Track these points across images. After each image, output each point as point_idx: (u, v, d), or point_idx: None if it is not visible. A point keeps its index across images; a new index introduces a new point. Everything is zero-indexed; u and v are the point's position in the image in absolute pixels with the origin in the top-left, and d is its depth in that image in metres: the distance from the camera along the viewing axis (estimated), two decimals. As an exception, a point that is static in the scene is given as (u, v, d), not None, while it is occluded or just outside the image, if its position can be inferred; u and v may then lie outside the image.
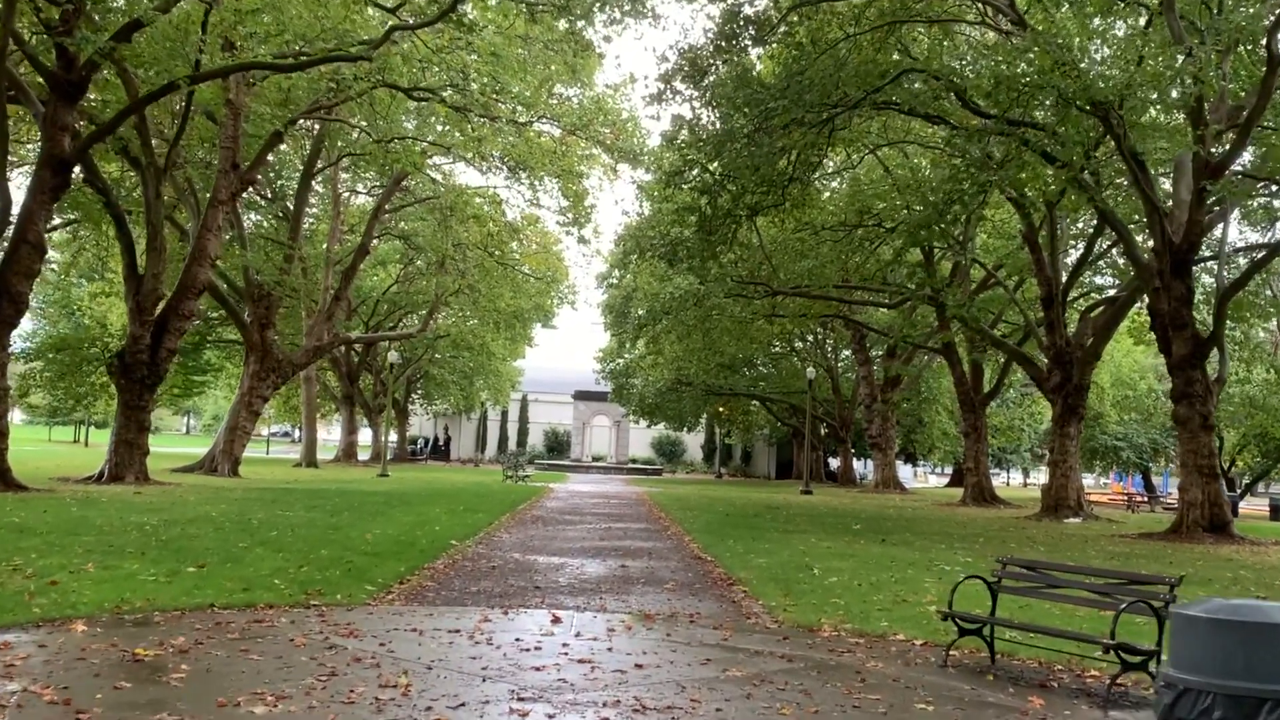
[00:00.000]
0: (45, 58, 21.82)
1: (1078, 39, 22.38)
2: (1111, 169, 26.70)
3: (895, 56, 23.34)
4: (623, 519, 22.19)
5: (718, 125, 24.27)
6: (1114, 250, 33.49)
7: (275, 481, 30.08)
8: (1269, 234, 29.65)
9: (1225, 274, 26.00)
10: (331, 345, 40.00)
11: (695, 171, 25.39)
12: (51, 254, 40.89)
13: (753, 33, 23.77)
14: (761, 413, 61.91)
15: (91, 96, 27.74)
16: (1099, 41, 24.00)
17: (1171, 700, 4.02)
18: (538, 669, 6.89)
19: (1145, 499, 43.04)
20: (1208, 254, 27.50)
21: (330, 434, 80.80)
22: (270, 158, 40.89)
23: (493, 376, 60.09)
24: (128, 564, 10.61)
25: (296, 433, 78.52)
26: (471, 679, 6.53)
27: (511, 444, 70.70)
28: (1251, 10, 19.84)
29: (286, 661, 6.75)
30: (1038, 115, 22.43)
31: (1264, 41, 22.82)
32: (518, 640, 7.84)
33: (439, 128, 32.14)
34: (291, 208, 37.21)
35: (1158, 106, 21.91)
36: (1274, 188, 27.10)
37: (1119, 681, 6.89)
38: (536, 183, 32.58)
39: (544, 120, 30.69)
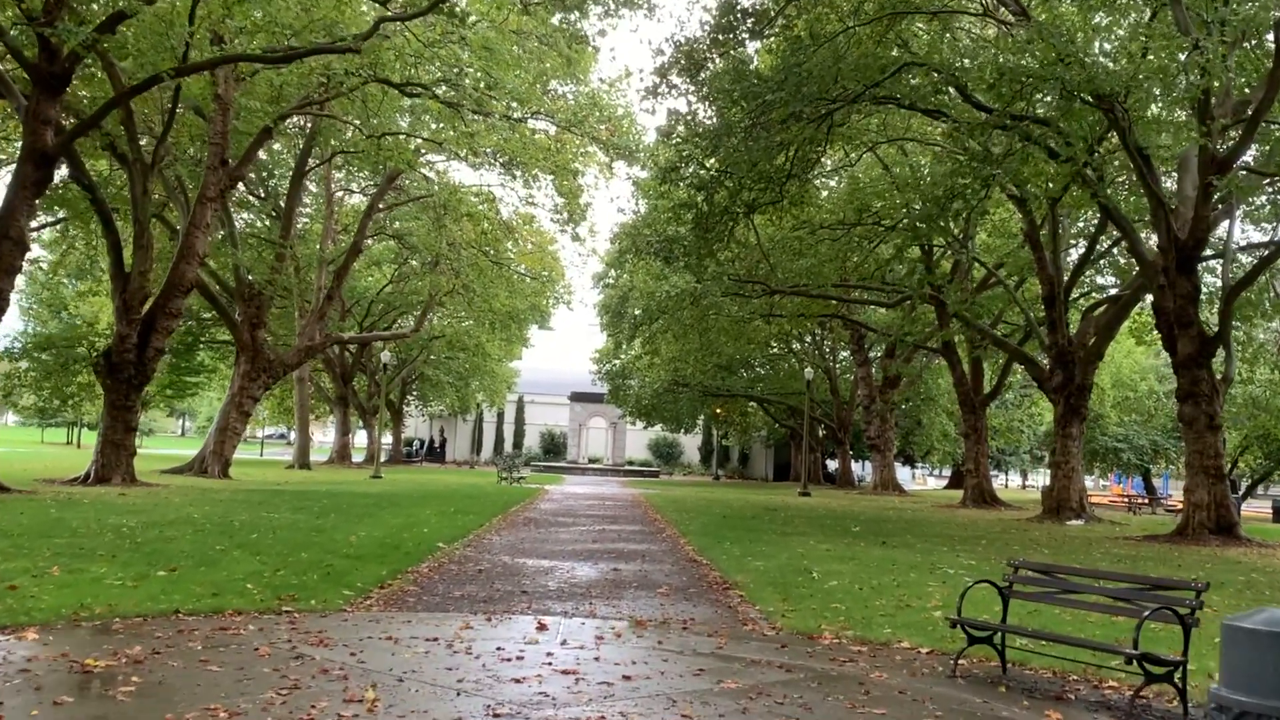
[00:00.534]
0: (28, 50, 21.35)
1: (1081, 34, 21.99)
2: (1115, 165, 26.35)
3: (895, 52, 22.91)
4: (617, 521, 21.72)
5: (714, 120, 23.84)
6: (1116, 249, 33.07)
7: (265, 483, 29.60)
8: (1274, 231, 29.19)
9: (1231, 271, 25.54)
10: (323, 345, 39.50)
11: (692, 168, 24.96)
12: (41, 253, 40.51)
13: (750, 25, 23.34)
14: (759, 414, 61.49)
15: (84, 95, 27.37)
16: (1101, 39, 23.62)
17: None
18: (518, 681, 6.42)
19: (1146, 501, 42.57)
20: (1208, 252, 27.06)
21: (326, 436, 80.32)
22: (263, 155, 40.47)
23: (488, 378, 59.65)
24: (95, 567, 10.14)
25: (291, 435, 78.02)
26: (445, 693, 6.06)
27: (508, 446, 70.26)
28: (1259, 1, 19.41)
29: (247, 673, 6.28)
30: (1040, 110, 22.02)
31: (1270, 35, 22.51)
32: (499, 649, 7.37)
33: (432, 125, 31.70)
34: (284, 206, 36.71)
35: (1164, 100, 21.44)
36: (1280, 184, 26.66)
37: (1142, 694, 6.43)
38: (531, 180, 32.10)
39: (539, 116, 30.23)
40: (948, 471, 75.75)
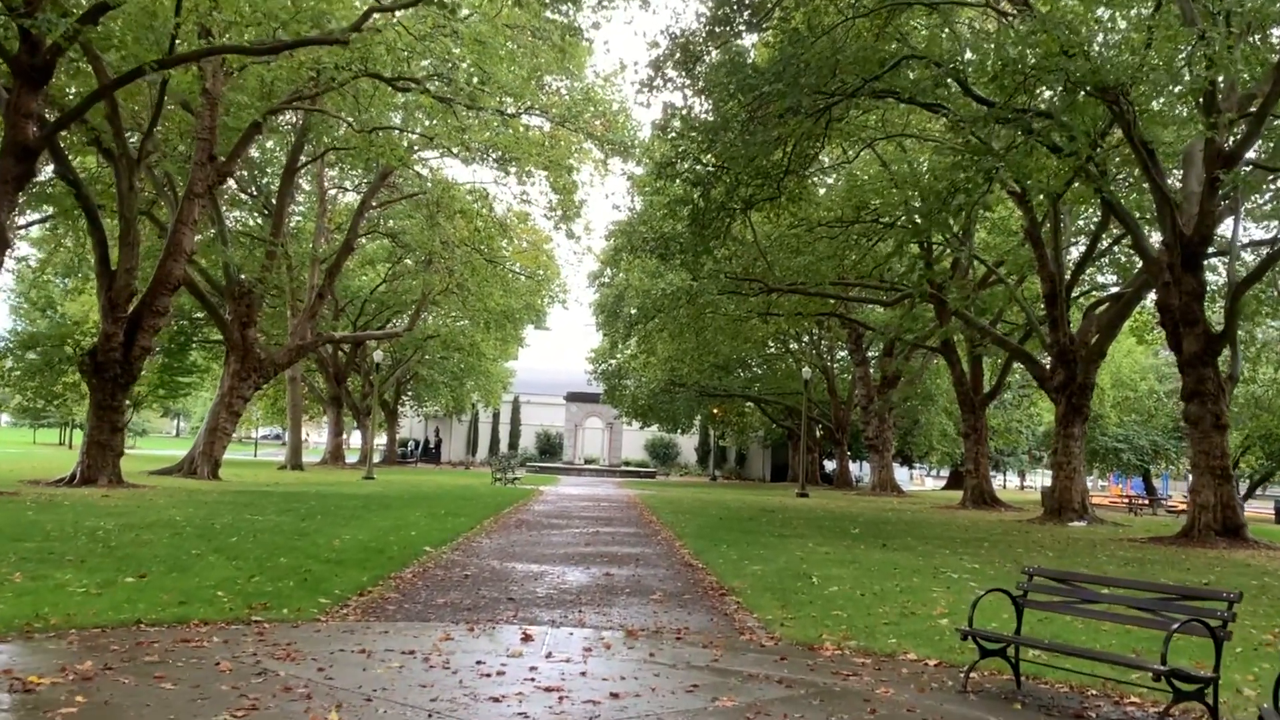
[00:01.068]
0: (9, 42, 20.84)
1: (1084, 28, 21.55)
2: (1117, 160, 25.90)
3: (893, 46, 22.46)
4: (612, 523, 21.26)
5: (710, 114, 23.38)
6: (1117, 246, 32.65)
7: (255, 484, 29.12)
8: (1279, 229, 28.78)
9: (1237, 268, 25.10)
10: (315, 345, 39.01)
11: (688, 163, 24.50)
12: (29, 251, 40.02)
13: (747, 17, 22.88)
14: (756, 414, 61.08)
15: (71, 91, 26.88)
16: (1104, 32, 23.17)
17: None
18: (496, 700, 5.95)
19: (1146, 502, 42.14)
20: (1211, 250, 26.64)
21: (321, 436, 79.79)
22: (254, 153, 39.99)
23: (483, 378, 59.18)
24: (60, 573, 9.66)
25: (286, 435, 77.51)
26: (415, 714, 5.59)
27: (503, 446, 69.79)
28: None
29: (203, 691, 5.81)
30: (1042, 104, 21.59)
31: (1277, 30, 22.09)
32: (479, 663, 6.90)
33: (425, 122, 31.25)
34: (275, 203, 36.22)
35: (1169, 92, 21.01)
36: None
37: (1170, 713, 5.97)
38: (525, 176, 31.65)
39: (532, 112, 29.77)
40: (945, 472, 75.36)
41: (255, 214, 41.39)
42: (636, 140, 29.83)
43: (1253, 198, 26.99)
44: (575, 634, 8.31)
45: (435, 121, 29.40)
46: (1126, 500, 42.66)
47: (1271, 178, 25.60)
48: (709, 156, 23.87)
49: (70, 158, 27.82)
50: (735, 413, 60.22)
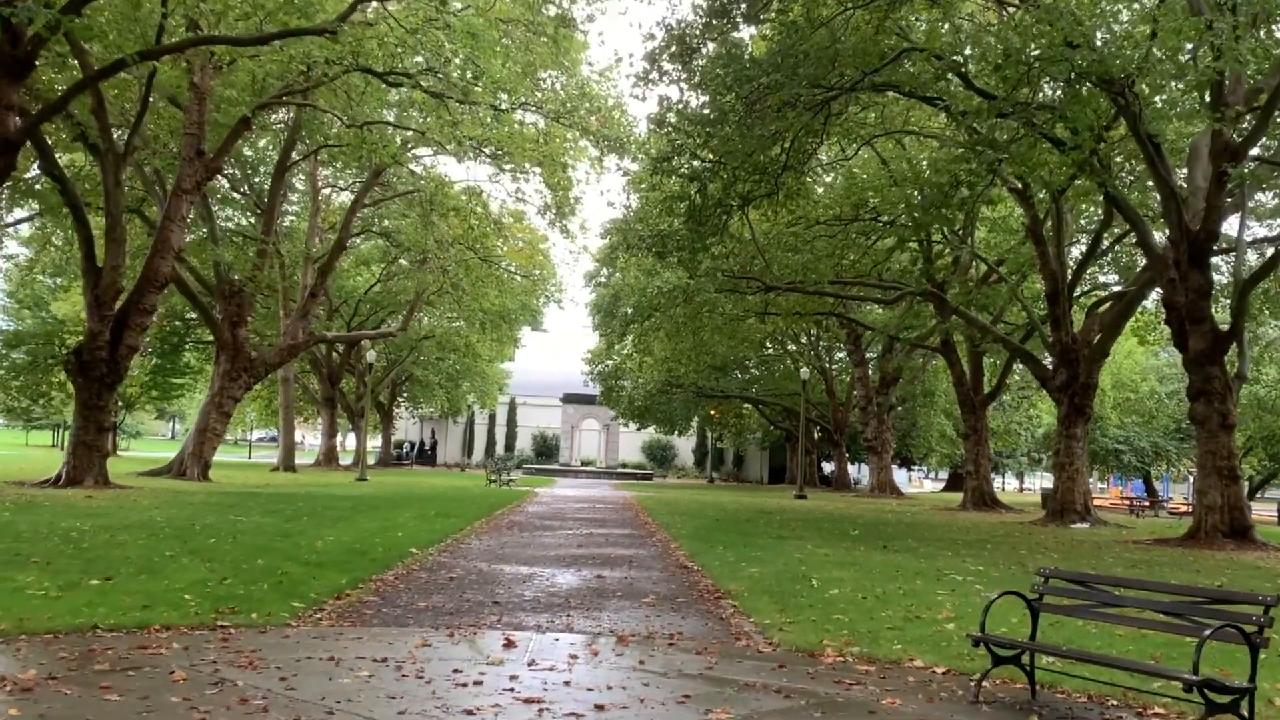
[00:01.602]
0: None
1: (1088, 19, 21.12)
2: (1120, 156, 25.50)
3: (893, 40, 22.02)
4: (606, 524, 20.80)
5: (707, 109, 22.92)
6: (1119, 245, 32.23)
7: (244, 485, 28.66)
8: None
9: (1244, 264, 24.69)
10: (306, 344, 38.50)
11: (684, 157, 24.06)
12: (19, 249, 39.55)
13: (744, 9, 22.43)
14: (754, 416, 60.65)
15: (60, 86, 26.39)
16: (1108, 23, 22.75)
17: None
18: (470, 713, 5.48)
19: (1148, 503, 41.71)
20: (1216, 247, 26.22)
21: (316, 438, 79.20)
22: (248, 153, 39.53)
23: (479, 379, 58.72)
24: (23, 576, 9.19)
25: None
26: (381, 728, 5.14)
27: (499, 448, 69.29)
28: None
29: (151, 704, 5.34)
30: (1043, 97, 21.18)
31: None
32: (456, 672, 6.43)
33: (418, 118, 30.77)
34: (266, 201, 35.74)
35: (1175, 85, 20.57)
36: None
37: (1201, 726, 5.51)
38: (519, 173, 31.18)
39: (526, 107, 29.29)
40: (944, 474, 74.91)
41: (248, 213, 40.90)
42: (632, 136, 29.36)
43: (1255, 196, 26.58)
44: (561, 640, 7.85)
45: (428, 118, 28.93)
46: (1128, 502, 42.23)
47: (1277, 174, 25.18)
48: (706, 152, 23.45)
49: (58, 155, 27.39)
50: (733, 414, 59.77)
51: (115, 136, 25.64)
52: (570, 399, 67.95)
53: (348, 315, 51.37)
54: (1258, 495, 52.10)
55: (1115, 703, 6.41)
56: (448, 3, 22.12)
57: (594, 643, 7.75)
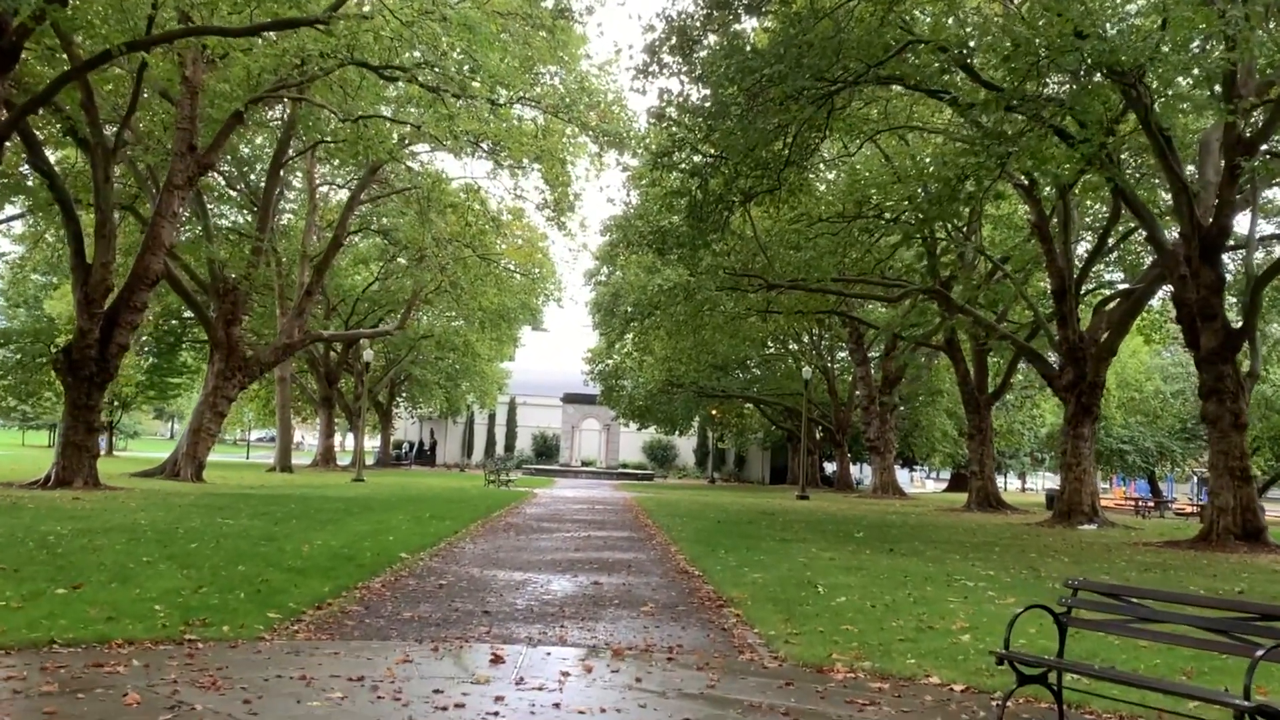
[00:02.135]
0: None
1: (1098, 11, 20.64)
2: (1128, 149, 25.01)
3: (897, 33, 21.53)
4: (605, 527, 20.32)
5: (708, 103, 22.43)
6: (1124, 243, 31.75)
7: (238, 486, 28.20)
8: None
9: (1256, 260, 24.21)
10: (302, 343, 38.02)
11: (685, 152, 23.58)
12: (11, 247, 39.08)
13: (746, 0, 21.94)
14: (755, 416, 60.19)
15: (54, 83, 25.88)
16: (1116, 15, 22.28)
17: None
18: (448, 742, 5.02)
19: (1153, 504, 41.20)
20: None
21: (316, 438, 78.71)
22: (245, 150, 39.07)
23: (478, 379, 58.25)
24: (-13, 584, 8.72)
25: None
26: (348, 761, 4.66)
27: (499, 448, 68.82)
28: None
29: (97, 732, 4.88)
30: (1049, 89, 20.68)
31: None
32: (436, 693, 5.95)
33: (415, 113, 30.29)
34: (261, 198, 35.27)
35: (1189, 74, 20.07)
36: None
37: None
38: (518, 169, 30.69)
39: (524, 102, 28.82)
40: (946, 474, 74.41)
41: (244, 211, 40.44)
42: (632, 131, 28.88)
43: (1264, 193, 26.09)
44: (553, 654, 7.36)
45: (424, 113, 28.44)
46: (1133, 503, 41.72)
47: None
48: (707, 146, 22.97)
49: (48, 151, 26.94)
50: (734, 414, 59.30)
51: (107, 131, 25.20)
52: (570, 399, 67.46)
53: (345, 314, 50.91)
54: (1263, 495, 51.59)
55: (1150, 726, 5.93)
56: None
57: (588, 657, 7.27)
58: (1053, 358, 29.62)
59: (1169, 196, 29.01)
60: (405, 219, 40.01)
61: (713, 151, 22.96)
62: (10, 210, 32.80)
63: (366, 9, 24.93)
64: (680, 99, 22.86)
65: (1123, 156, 24.91)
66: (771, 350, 52.69)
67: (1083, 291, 29.99)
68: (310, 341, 40.97)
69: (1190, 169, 23.85)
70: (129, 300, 25.24)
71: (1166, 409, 51.73)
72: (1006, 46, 17.78)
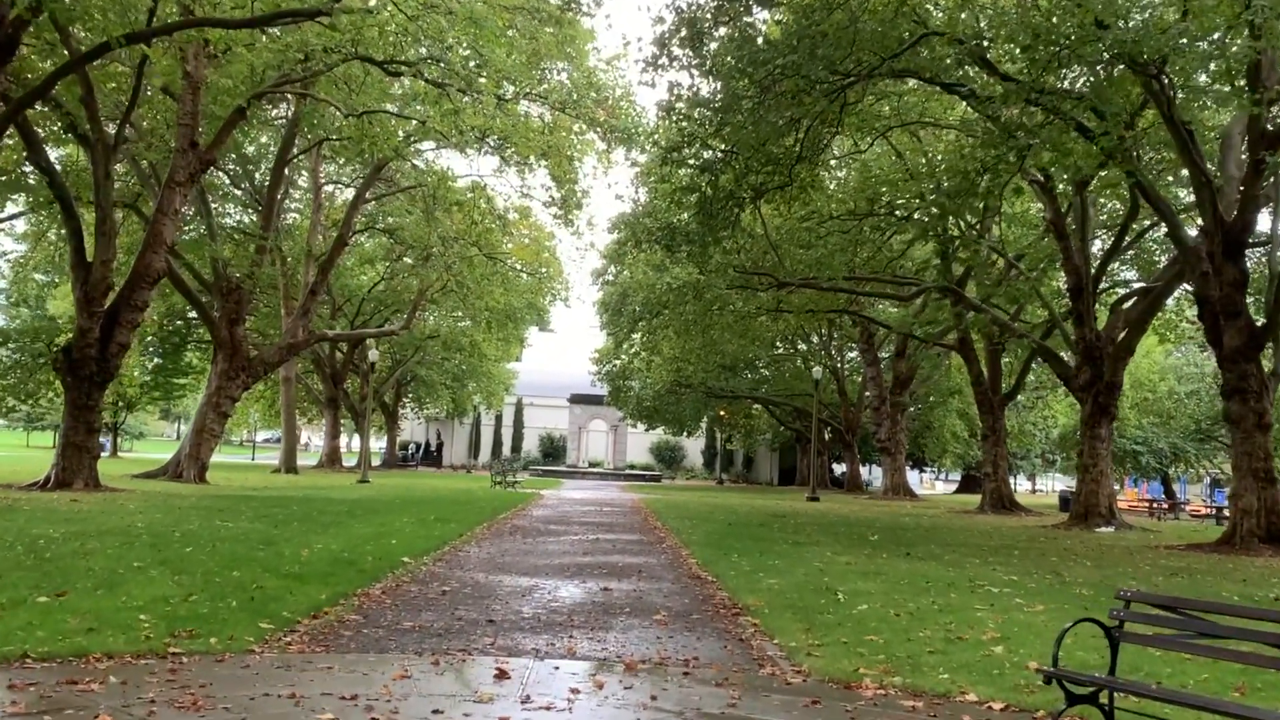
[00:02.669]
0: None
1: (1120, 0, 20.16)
2: (1150, 143, 24.50)
3: (912, 26, 21.06)
4: (614, 529, 19.87)
5: (719, 97, 21.98)
6: (1140, 241, 31.22)
7: (241, 488, 27.81)
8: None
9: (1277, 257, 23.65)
10: (306, 343, 37.65)
11: (695, 147, 23.13)
12: (13, 246, 38.76)
13: (758, -9, 21.47)
14: (764, 416, 59.70)
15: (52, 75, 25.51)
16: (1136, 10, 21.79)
17: None
18: (447, 772, 4.57)
19: (1168, 506, 40.62)
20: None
21: (322, 439, 78.43)
22: (250, 149, 38.70)
23: (485, 379, 57.85)
24: (-34, 592, 8.29)
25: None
26: (335, 795, 4.21)
27: (506, 449, 68.43)
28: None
29: (61, 761, 4.44)
30: (1066, 83, 20.22)
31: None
32: (436, 713, 5.49)
33: (420, 110, 29.89)
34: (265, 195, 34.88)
35: (1210, 68, 19.57)
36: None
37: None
38: (524, 167, 30.26)
39: (531, 98, 28.39)
40: (955, 476, 73.80)
41: (248, 209, 40.09)
42: (640, 127, 28.43)
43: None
44: (562, 668, 6.91)
45: (429, 109, 28.05)
46: (1147, 504, 41.15)
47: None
48: (717, 141, 22.52)
49: (50, 150, 26.59)
50: (742, 415, 58.81)
51: (108, 128, 24.83)
52: (577, 399, 67.04)
53: (351, 314, 50.56)
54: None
55: (1210, 750, 5.46)
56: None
57: (599, 672, 6.81)
58: (1066, 356, 29.10)
59: (1186, 194, 28.57)
60: (411, 218, 39.64)
61: (723, 146, 22.51)
62: (11, 209, 32.46)
63: (371, 2, 24.53)
64: (690, 92, 22.42)
65: (1145, 149, 24.43)
66: (780, 350, 52.21)
67: (1099, 289, 29.47)
68: (315, 341, 40.62)
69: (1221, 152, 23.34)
70: (130, 299, 24.85)
71: (1180, 409, 51.08)
72: (1025, 38, 17.30)
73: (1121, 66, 18.50)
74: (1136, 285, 31.64)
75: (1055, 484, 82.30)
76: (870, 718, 5.84)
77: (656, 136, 27.31)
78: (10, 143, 26.33)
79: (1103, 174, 22.09)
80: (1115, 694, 5.48)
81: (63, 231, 31.72)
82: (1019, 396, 46.24)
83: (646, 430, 61.97)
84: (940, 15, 23.11)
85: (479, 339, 48.81)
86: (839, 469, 61.44)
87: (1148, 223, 29.78)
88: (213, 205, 34.03)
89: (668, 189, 25.50)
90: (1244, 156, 20.76)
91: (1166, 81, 18.83)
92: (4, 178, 27.37)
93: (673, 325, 36.46)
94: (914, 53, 19.68)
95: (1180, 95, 19.43)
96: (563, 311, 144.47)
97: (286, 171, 36.34)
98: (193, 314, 44.59)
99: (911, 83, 25.51)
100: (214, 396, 31.06)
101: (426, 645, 7.47)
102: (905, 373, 42.95)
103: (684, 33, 21.64)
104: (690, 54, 21.93)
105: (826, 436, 55.81)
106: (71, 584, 8.87)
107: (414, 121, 29.10)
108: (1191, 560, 17.62)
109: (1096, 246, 31.06)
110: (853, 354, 53.00)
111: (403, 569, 11.74)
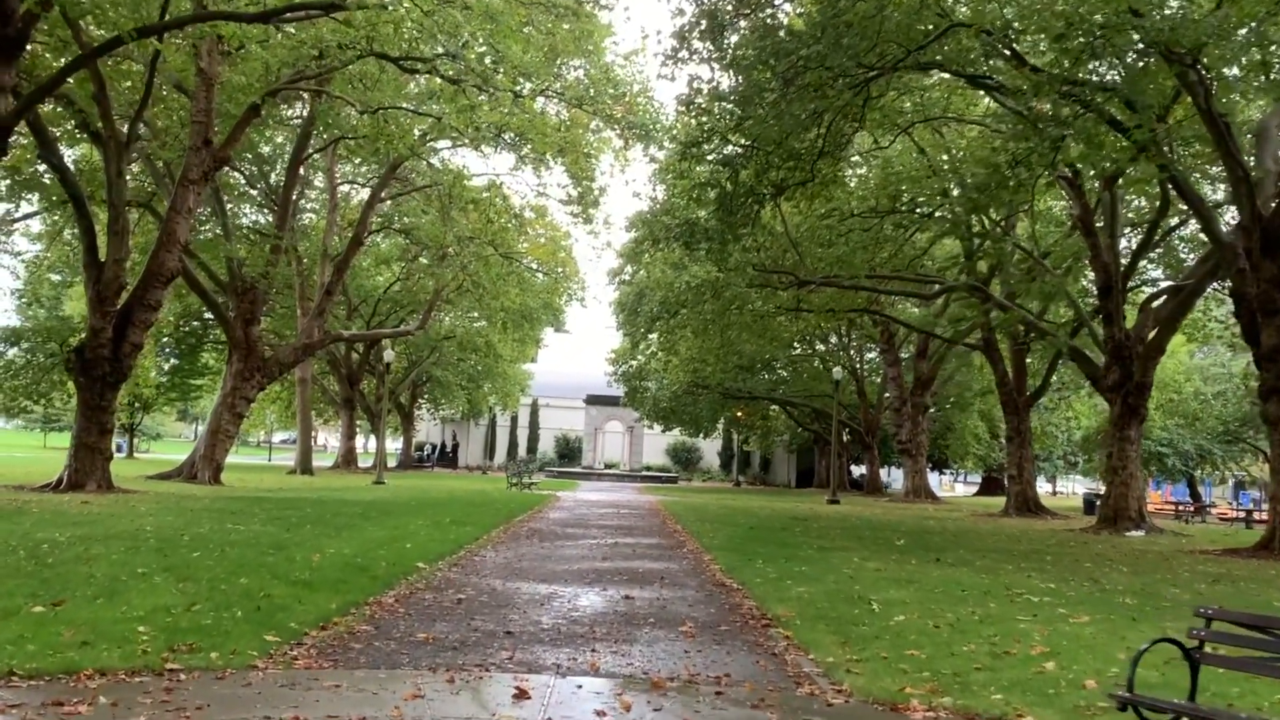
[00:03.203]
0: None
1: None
2: (1181, 138, 23.89)
3: (936, 18, 20.53)
4: (633, 533, 19.41)
5: (739, 90, 21.50)
6: (1167, 238, 30.53)
7: (256, 489, 27.48)
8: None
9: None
10: (322, 343, 37.36)
11: (715, 142, 22.67)
12: (28, 246, 38.60)
13: (780, -19, 21.02)
14: (781, 418, 59.13)
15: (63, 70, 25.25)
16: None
17: None
18: (463, 812, 4.12)
19: (1194, 509, 39.90)
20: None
21: (338, 440, 78.33)
22: (265, 150, 38.43)
23: (500, 380, 57.54)
24: (-41, 601, 7.89)
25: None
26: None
27: (522, 450, 68.09)
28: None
29: (35, 799, 4.01)
30: (1098, 76, 19.65)
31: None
32: (450, 739, 5.07)
33: (436, 108, 29.54)
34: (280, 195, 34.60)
35: (1243, 60, 18.97)
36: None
37: None
38: (541, 163, 29.85)
39: (548, 94, 27.97)
40: (975, 478, 73.01)
41: (263, 209, 39.84)
42: (658, 123, 27.96)
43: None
44: (585, 686, 6.46)
45: (445, 106, 27.68)
46: (1174, 507, 40.42)
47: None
48: (737, 136, 22.05)
49: (64, 149, 26.34)
50: (760, 416, 58.24)
51: (121, 126, 24.53)
52: (593, 400, 66.60)
53: (367, 314, 50.31)
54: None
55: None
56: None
57: (625, 691, 6.35)
58: (1091, 354, 28.48)
59: (1214, 191, 27.92)
60: (426, 218, 39.31)
61: (744, 141, 22.05)
62: (26, 208, 32.29)
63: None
64: (711, 85, 21.97)
65: (1178, 143, 23.81)
66: (798, 351, 51.64)
67: (1129, 286, 28.83)
68: (330, 341, 40.34)
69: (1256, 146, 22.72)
70: (143, 298, 24.53)
71: (1207, 411, 50.23)
72: (1059, 26, 16.75)
73: (1153, 58, 17.94)
74: (1164, 284, 30.97)
75: (1076, 486, 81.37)
76: (922, 745, 5.36)
77: (675, 132, 26.85)
78: (24, 141, 26.12)
79: (1134, 169, 21.52)
80: (1195, 722, 4.98)
81: (76, 231, 31.57)
82: (1042, 397, 45.59)
83: (663, 431, 61.51)
84: (964, 10, 22.61)
85: (494, 339, 48.48)
86: (858, 471, 60.80)
87: (1175, 220, 29.15)
88: (228, 205, 33.77)
89: (686, 185, 25.04)
90: (1286, 148, 20.17)
91: (1203, 72, 18.24)
92: (18, 176, 27.06)
93: (690, 325, 35.98)
94: (939, 44, 19.17)
95: (1218, 86, 18.83)
96: (579, 312, 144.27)
97: (302, 171, 36.07)
98: (208, 315, 44.42)
99: (935, 77, 24.99)
100: (229, 397, 30.78)
101: (441, 660, 7.02)
102: (927, 373, 42.32)
103: (704, 25, 21.21)
104: (711, 47, 21.49)
105: (845, 438, 55.22)
106: (70, 592, 8.46)
107: (430, 119, 28.73)
108: (1231, 566, 17.05)
109: (1123, 244, 30.43)
110: (872, 354, 52.38)
111: (417, 575, 11.31)
